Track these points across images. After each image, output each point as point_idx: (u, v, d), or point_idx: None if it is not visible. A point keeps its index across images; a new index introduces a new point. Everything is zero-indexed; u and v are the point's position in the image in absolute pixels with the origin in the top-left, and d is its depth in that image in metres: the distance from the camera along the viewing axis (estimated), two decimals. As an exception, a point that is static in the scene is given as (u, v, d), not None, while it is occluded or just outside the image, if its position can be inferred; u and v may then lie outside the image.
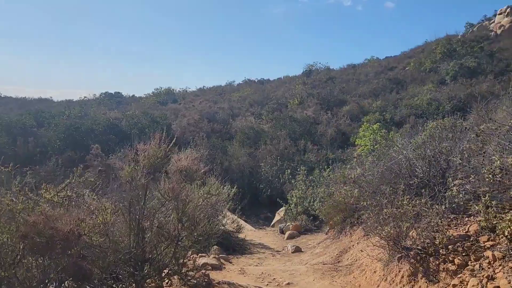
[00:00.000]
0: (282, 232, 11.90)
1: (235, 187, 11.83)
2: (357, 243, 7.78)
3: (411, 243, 4.70)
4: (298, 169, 15.04)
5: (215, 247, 9.11)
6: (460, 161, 5.39)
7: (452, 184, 5.54)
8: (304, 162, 17.08)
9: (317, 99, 27.83)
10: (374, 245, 5.42)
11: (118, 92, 53.70)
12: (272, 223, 13.87)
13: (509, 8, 46.68)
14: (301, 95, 30.52)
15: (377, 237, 5.23)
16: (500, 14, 47.97)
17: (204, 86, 56.13)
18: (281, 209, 13.71)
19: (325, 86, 35.58)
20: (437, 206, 4.52)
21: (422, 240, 4.45)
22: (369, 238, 7.24)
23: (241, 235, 11.76)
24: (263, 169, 16.63)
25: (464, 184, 5.41)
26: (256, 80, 57.05)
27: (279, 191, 15.94)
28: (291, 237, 11.27)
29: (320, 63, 49.17)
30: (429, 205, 4.59)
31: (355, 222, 8.32)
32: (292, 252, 9.45)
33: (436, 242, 4.33)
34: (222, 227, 10.58)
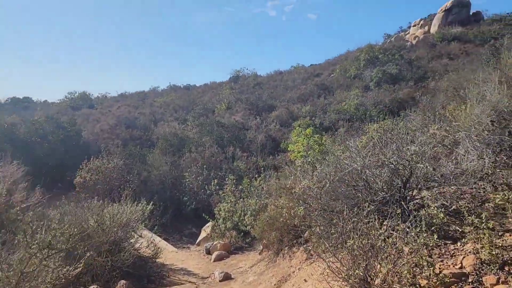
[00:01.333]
0: (209, 252, 10.24)
1: (150, 204, 9.96)
2: (299, 268, 6.40)
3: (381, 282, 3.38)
4: (226, 179, 13.54)
5: (122, 281, 7.20)
6: (432, 168, 4.22)
7: (421, 198, 4.36)
8: (232, 170, 15.60)
9: (245, 104, 26.64)
10: (323, 275, 4.03)
11: (27, 97, 48.26)
12: (198, 241, 12.15)
13: (422, 21, 49.95)
14: (228, 100, 29.17)
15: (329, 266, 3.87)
16: (414, 26, 51.20)
17: (125, 92, 52.46)
18: (207, 224, 12.04)
19: (253, 91, 34.65)
20: (424, 235, 3.23)
21: (402, 283, 3.12)
22: (313, 263, 5.93)
23: (160, 260, 9.92)
24: (187, 180, 14.84)
25: (437, 197, 4.24)
26: (182, 86, 54.74)
27: (206, 203, 14.28)
28: (219, 258, 9.65)
29: (247, 69, 48.55)
30: (408, 231, 3.29)
31: (295, 242, 7.00)
32: (220, 281, 7.84)
33: (422, 285, 3.04)
34: (135, 252, 8.71)
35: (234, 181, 13.18)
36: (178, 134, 19.95)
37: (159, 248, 10.74)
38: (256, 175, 13.70)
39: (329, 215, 4.64)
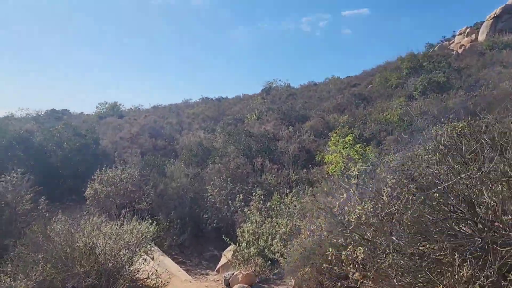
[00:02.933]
0: (228, 284, 8.33)
1: (154, 223, 8.25)
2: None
3: None
4: (253, 194, 11.69)
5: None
6: None
7: None
8: (260, 184, 13.71)
9: (277, 114, 24.78)
10: None
11: (66, 110, 48.49)
12: (217, 267, 10.28)
13: (468, 29, 46.82)
14: (259, 110, 27.44)
15: None
16: (459, 34, 48.09)
17: (158, 104, 51.90)
18: (229, 248, 10.16)
19: (286, 101, 32.86)
20: None
21: None
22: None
23: (168, 292, 8.12)
24: (209, 194, 13.07)
25: None
26: (213, 99, 53.69)
27: (229, 222, 12.44)
28: (240, 293, 7.75)
29: (280, 80, 46.81)
30: None
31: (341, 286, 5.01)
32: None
33: None
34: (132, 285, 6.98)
35: (262, 196, 11.31)
36: (203, 144, 18.33)
37: (169, 277, 8.94)
38: (288, 191, 11.72)
39: (411, 262, 2.66)
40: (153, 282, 7.65)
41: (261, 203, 11.03)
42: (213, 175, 14.04)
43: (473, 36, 44.83)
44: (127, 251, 7.35)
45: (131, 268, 7.27)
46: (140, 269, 7.51)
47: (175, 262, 11.31)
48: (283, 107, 27.21)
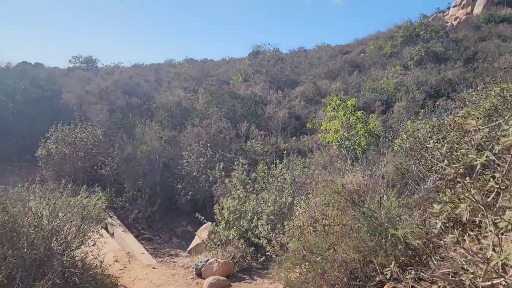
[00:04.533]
0: (200, 274, 6.72)
1: (100, 196, 6.49)
2: None
3: None
4: (236, 162, 9.99)
5: None
6: None
7: None
8: (245, 152, 11.99)
9: (265, 77, 22.81)
10: None
11: (39, 63, 44.66)
12: (189, 249, 8.65)
13: (464, 1, 44.93)
14: (246, 72, 25.37)
15: None
16: (454, 6, 46.17)
17: (139, 62, 48.57)
18: (204, 226, 8.51)
19: (275, 65, 30.74)
20: None
21: None
22: None
23: (123, 280, 6.49)
24: (185, 161, 11.29)
25: None
26: (198, 60, 50.82)
27: (207, 194, 10.77)
28: None
29: (269, 44, 44.32)
30: None
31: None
32: None
33: None
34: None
35: (246, 166, 9.62)
36: (182, 104, 16.34)
37: (128, 260, 7.27)
38: (276, 161, 10.00)
39: None
40: (106, 269, 5.98)
41: (245, 174, 9.34)
42: (191, 139, 12.21)
43: (469, 9, 43.09)
44: (72, 228, 5.63)
45: (76, 252, 5.60)
46: (89, 251, 5.82)
47: (141, 239, 9.68)
48: (272, 70, 25.18)
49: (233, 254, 7.16)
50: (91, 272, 5.56)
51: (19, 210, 5.11)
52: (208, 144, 11.61)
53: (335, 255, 3.58)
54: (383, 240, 3.30)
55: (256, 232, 7.05)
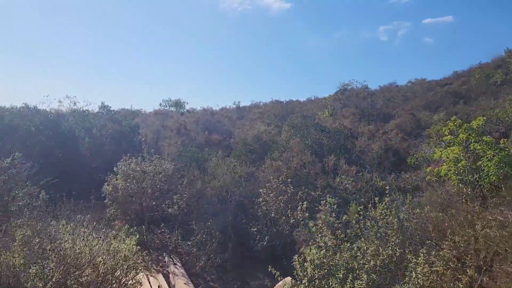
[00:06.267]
0: None
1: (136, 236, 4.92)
2: None
3: None
4: (323, 202, 8.02)
5: None
6: None
7: None
8: (333, 190, 9.95)
9: (354, 109, 20.73)
10: None
11: (139, 110, 47.99)
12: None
13: None
14: (333, 107, 23.53)
15: None
16: None
17: (226, 106, 49.46)
18: (281, 283, 6.55)
19: (364, 99, 28.49)
20: None
21: None
22: None
23: None
24: (262, 199, 9.58)
25: None
26: (284, 102, 50.17)
27: (287, 239, 8.85)
28: None
29: (356, 81, 41.93)
30: None
31: None
32: None
33: None
34: None
35: (335, 206, 7.61)
36: (262, 138, 14.91)
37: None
38: (372, 201, 7.77)
39: None
40: None
41: (334, 215, 7.32)
42: (270, 174, 10.53)
43: None
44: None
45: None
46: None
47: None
48: (362, 104, 23.03)
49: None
50: None
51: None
52: (289, 180, 9.80)
53: None
54: None
55: (351, 296, 4.96)
